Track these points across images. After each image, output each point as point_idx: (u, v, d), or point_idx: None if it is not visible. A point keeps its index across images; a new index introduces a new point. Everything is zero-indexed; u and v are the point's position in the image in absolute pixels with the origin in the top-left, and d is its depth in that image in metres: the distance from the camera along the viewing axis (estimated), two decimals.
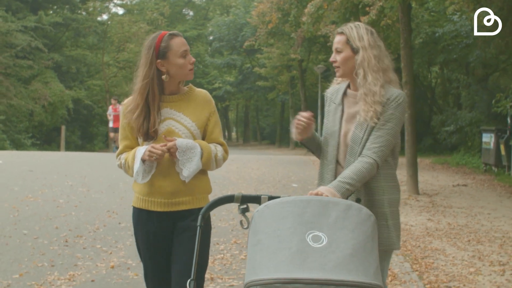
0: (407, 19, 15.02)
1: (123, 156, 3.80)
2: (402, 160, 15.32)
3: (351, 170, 3.41)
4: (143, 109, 3.64)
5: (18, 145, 35.35)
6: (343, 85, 3.84)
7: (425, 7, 26.15)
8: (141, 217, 3.75)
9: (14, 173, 15.22)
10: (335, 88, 3.89)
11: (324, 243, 2.51)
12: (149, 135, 3.64)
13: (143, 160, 3.59)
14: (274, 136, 54.98)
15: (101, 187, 13.27)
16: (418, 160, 25.98)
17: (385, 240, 3.56)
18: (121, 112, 3.81)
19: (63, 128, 35.48)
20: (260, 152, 38.57)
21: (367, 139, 3.54)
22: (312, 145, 3.85)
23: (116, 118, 22.80)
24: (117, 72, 48.97)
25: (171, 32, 3.70)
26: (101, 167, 17.71)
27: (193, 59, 3.73)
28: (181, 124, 3.70)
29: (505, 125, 19.68)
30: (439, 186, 16.56)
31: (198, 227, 3.07)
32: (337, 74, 3.74)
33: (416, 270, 7.22)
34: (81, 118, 43.62)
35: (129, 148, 3.79)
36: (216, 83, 55.27)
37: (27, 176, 14.75)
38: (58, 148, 36.98)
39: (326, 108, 3.89)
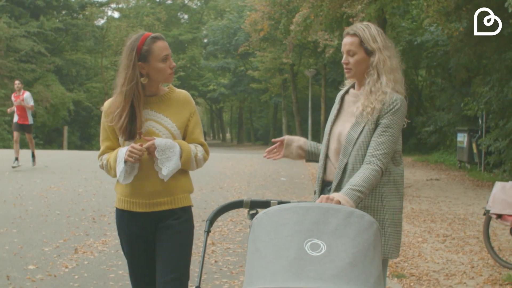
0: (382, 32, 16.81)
1: (105, 157, 3.81)
2: None
3: (360, 177, 3.35)
4: (129, 111, 3.64)
5: (22, 145, 36.92)
6: (349, 85, 3.85)
7: (407, 17, 28.03)
8: (124, 218, 3.78)
9: (31, 168, 16.98)
10: (344, 89, 3.89)
11: (323, 251, 2.43)
12: (131, 135, 3.66)
13: (125, 161, 3.61)
14: (268, 137, 56.41)
15: (112, 179, 14.90)
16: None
17: (382, 248, 3.46)
18: (103, 113, 3.80)
19: (66, 128, 37.07)
20: (253, 152, 40.24)
21: (363, 141, 3.52)
22: (317, 158, 3.88)
23: (22, 111, 16.08)
24: (115, 75, 50.55)
25: (153, 35, 3.65)
26: None
27: (174, 64, 3.71)
28: (161, 125, 3.71)
29: (477, 126, 21.50)
30: (414, 180, 18.32)
31: (206, 233, 3.06)
32: (348, 75, 3.71)
33: None
34: (80, 119, 45.16)
35: (111, 149, 3.81)
36: (211, 85, 56.82)
37: (44, 170, 16.60)
38: (59, 148, 38.55)
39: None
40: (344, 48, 3.64)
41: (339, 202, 3.05)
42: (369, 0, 16.83)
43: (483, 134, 19.85)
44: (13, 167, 16.21)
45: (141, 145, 3.56)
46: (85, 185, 13.83)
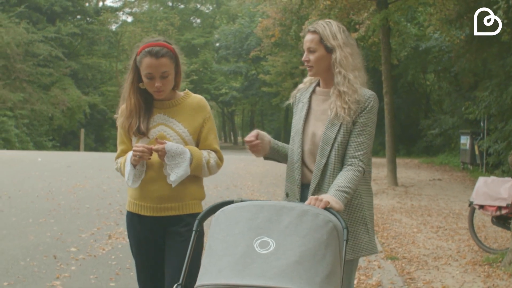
0: (387, 39, 17.81)
1: (119, 160, 3.82)
2: (383, 159, 18.12)
3: (344, 178, 3.33)
4: (133, 110, 3.67)
5: (40, 147, 38.08)
6: (314, 84, 3.78)
7: (414, 22, 28.93)
8: (133, 221, 3.76)
9: (55, 168, 18.13)
10: (305, 87, 3.84)
11: (271, 249, 2.45)
12: (140, 133, 3.65)
13: (133, 165, 3.58)
14: (279, 139, 56.55)
15: None
16: (408, 160, 28.92)
17: (367, 245, 3.52)
18: (119, 117, 3.80)
19: (82, 131, 38.18)
20: None
21: (341, 141, 3.46)
22: (277, 156, 3.81)
23: None
24: None
25: (148, 49, 3.56)
26: None
27: (158, 84, 3.58)
28: (173, 130, 3.67)
29: (479, 129, 22.39)
30: (417, 180, 19.25)
31: (194, 232, 3.03)
32: (310, 73, 3.66)
33: (375, 230, 10.02)
34: (95, 122, 46.18)
35: (125, 152, 3.78)
36: (223, 88, 57.54)
37: (68, 170, 17.70)
38: (74, 150, 39.68)
39: (294, 108, 3.84)
40: (304, 46, 3.62)
41: (328, 203, 2.97)
42: (374, 9, 17.81)
43: (485, 137, 20.72)
44: None
45: (149, 148, 3.51)
46: (108, 183, 14.89)
